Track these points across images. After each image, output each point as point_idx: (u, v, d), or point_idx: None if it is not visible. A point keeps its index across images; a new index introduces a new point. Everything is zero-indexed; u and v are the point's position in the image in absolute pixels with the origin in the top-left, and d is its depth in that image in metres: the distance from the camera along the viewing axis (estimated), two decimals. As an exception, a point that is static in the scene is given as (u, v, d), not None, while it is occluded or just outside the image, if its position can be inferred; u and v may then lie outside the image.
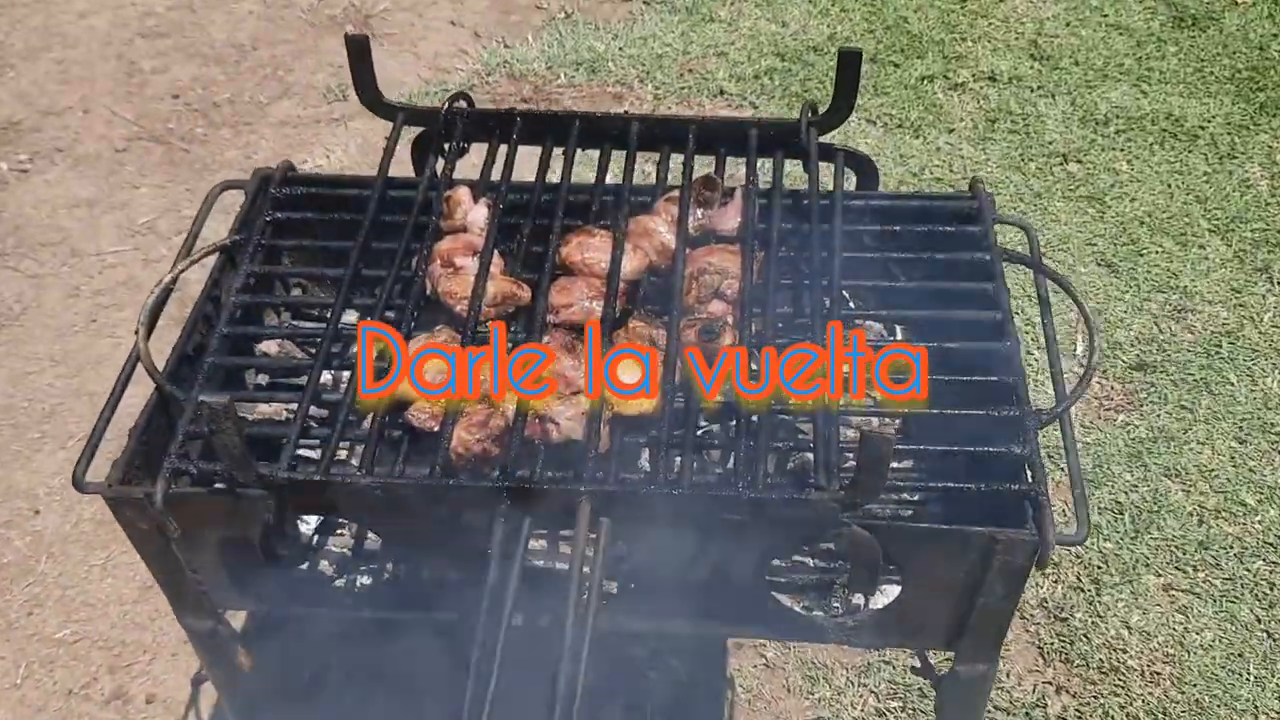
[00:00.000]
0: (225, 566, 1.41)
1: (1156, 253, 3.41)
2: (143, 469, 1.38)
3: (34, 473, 2.94)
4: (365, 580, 1.49)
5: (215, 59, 4.19)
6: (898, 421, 1.45)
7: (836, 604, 1.47)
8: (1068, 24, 4.24)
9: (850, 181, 1.64)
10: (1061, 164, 3.70)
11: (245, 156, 3.81)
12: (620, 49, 4.15)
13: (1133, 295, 3.29)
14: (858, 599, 1.45)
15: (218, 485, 1.34)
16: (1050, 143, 3.77)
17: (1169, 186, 3.61)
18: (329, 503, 1.29)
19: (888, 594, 1.42)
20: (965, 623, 1.37)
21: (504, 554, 1.20)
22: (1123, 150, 3.75)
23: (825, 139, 1.62)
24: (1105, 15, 4.27)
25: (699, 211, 1.54)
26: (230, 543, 1.38)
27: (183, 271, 1.54)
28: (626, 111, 1.86)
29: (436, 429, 1.29)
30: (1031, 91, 3.96)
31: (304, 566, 1.49)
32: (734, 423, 1.32)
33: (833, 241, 1.49)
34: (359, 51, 1.56)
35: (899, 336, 1.61)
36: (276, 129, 3.93)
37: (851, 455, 1.28)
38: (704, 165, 1.65)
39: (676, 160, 1.63)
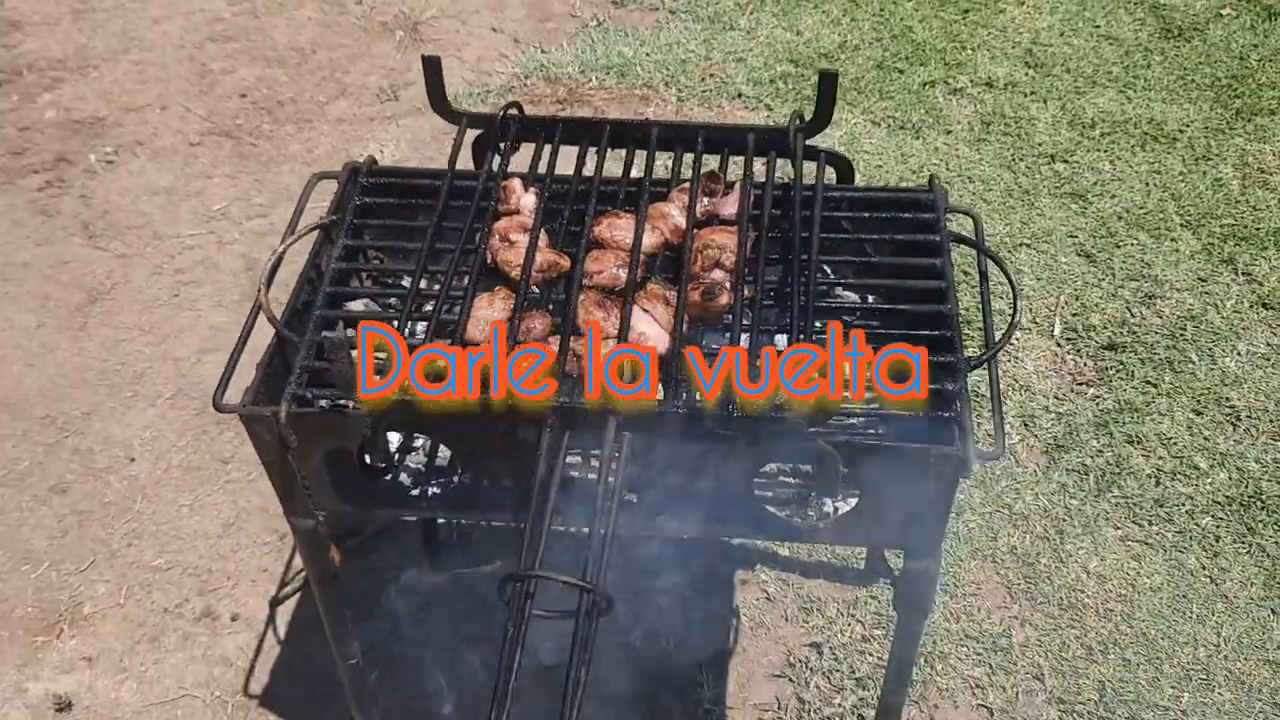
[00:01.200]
0: (328, 475, 1.80)
1: (1132, 245, 3.74)
2: (266, 395, 1.77)
3: (128, 426, 3.34)
4: (435, 490, 1.86)
5: (278, 61, 4.59)
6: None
7: (812, 513, 1.84)
8: (1061, 34, 4.58)
9: (830, 177, 2.01)
10: (1049, 164, 4.04)
11: (307, 150, 4.21)
12: (647, 54, 4.52)
13: (1108, 283, 3.63)
14: (828, 508, 1.82)
15: (326, 406, 1.73)
16: (1040, 144, 4.10)
17: (1147, 185, 3.94)
18: (416, 418, 1.68)
19: (850, 503, 1.79)
20: (909, 524, 1.74)
21: (549, 456, 1.58)
22: (1106, 152, 4.08)
23: (810, 142, 1.99)
24: (1097, 26, 4.60)
25: (705, 199, 1.91)
26: (334, 455, 1.77)
27: (293, 243, 1.92)
28: (648, 118, 2.23)
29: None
30: (1025, 97, 4.30)
31: (388, 478, 1.88)
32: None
33: (813, 225, 1.86)
34: (433, 69, 1.94)
35: (869, 301, 1.97)
36: (334, 126, 4.32)
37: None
38: (711, 163, 2.03)
39: (688, 158, 2.00)
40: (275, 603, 2.92)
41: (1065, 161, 4.04)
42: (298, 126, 4.30)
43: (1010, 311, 1.83)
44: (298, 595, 2.93)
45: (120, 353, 3.54)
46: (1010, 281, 1.83)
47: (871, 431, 1.74)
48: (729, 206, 1.89)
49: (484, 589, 2.89)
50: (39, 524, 3.09)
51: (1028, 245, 3.73)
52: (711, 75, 4.43)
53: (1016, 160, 4.05)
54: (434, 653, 2.79)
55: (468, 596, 2.88)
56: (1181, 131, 4.12)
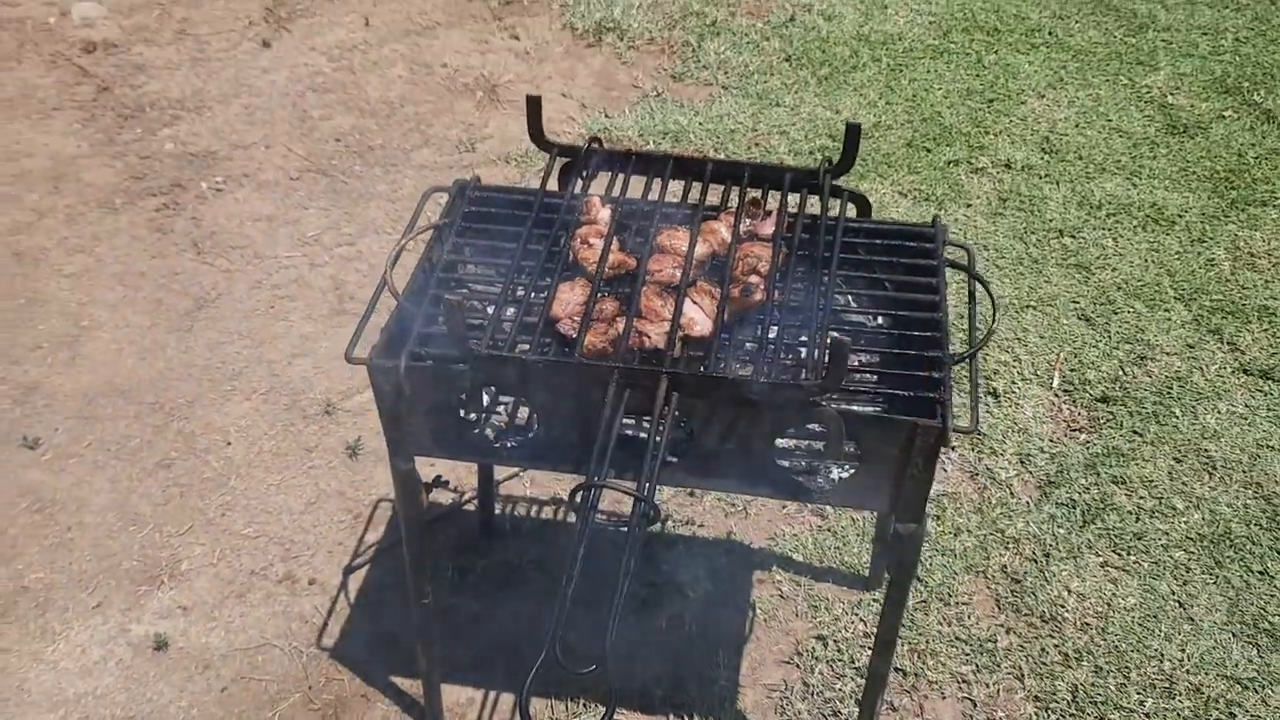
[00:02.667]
0: (430, 423, 2.23)
1: (1128, 312, 4.14)
2: (386, 352, 2.20)
3: (226, 415, 3.78)
4: (513, 444, 2.29)
5: (370, 112, 5.13)
6: (862, 340, 2.25)
7: (820, 479, 2.24)
8: (1076, 125, 5.03)
9: (851, 211, 2.45)
10: (1058, 237, 4.46)
11: (392, 190, 4.71)
12: (700, 123, 5.02)
13: (1104, 344, 4.02)
14: (835, 473, 2.23)
15: (437, 362, 2.16)
16: (1050, 220, 4.53)
17: (1146, 261, 4.35)
18: (510, 375, 2.11)
19: (850, 472, 2.19)
20: (899, 489, 2.13)
21: (614, 403, 2.00)
22: (1110, 230, 4.50)
23: (835, 183, 2.44)
24: (1109, 120, 5.05)
25: (747, 221, 2.36)
26: (438, 405, 2.20)
27: (411, 238, 2.38)
28: (705, 155, 2.69)
29: (574, 335, 2.11)
30: (1039, 178, 4.74)
31: (477, 432, 2.30)
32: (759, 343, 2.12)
33: (834, 247, 2.30)
34: (534, 108, 2.41)
35: (879, 322, 2.39)
36: (417, 170, 4.83)
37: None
38: (753, 194, 2.48)
39: (735, 190, 2.46)
40: (348, 571, 3.33)
41: (1073, 236, 4.46)
42: (385, 169, 4.81)
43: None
44: (368, 565, 3.34)
45: (221, 353, 3.99)
46: (991, 297, 2.25)
47: (874, 409, 2.15)
48: (766, 228, 2.34)
49: (529, 572, 3.29)
50: (146, 493, 3.52)
51: (1034, 307, 4.14)
52: (756, 144, 4.91)
53: (1028, 233, 4.47)
54: (488, 620, 3.18)
55: (515, 578, 3.28)
56: (1180, 216, 4.54)
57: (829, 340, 1.89)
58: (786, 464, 2.24)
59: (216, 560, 3.34)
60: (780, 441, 2.15)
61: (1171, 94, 5.16)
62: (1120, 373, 3.90)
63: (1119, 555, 3.37)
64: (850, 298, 2.35)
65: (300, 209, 4.60)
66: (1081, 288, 4.23)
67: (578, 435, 2.17)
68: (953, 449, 3.50)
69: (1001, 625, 3.20)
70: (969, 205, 4.60)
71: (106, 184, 4.64)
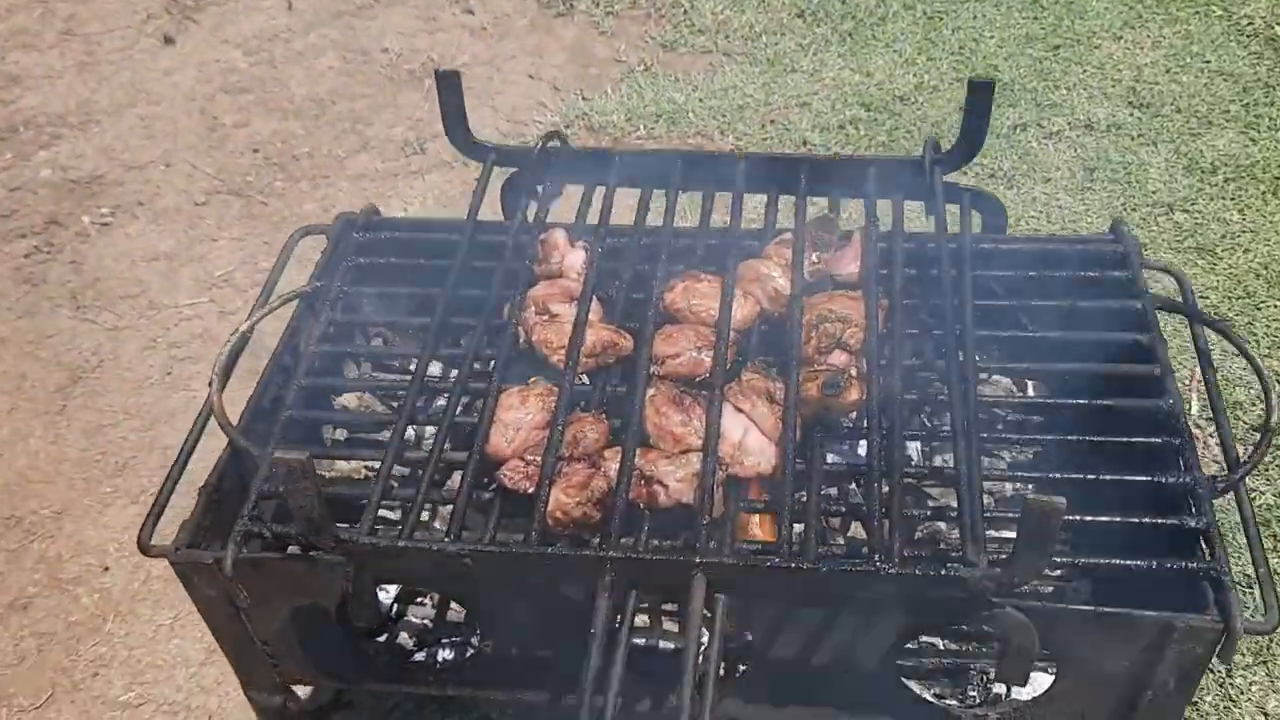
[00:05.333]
0: (298, 638, 1.30)
1: (1275, 306, 3.20)
2: (213, 530, 1.28)
3: (105, 528, 2.87)
4: (447, 654, 1.35)
5: (295, 113, 4.19)
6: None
7: (973, 692, 1.30)
8: (1167, 70, 4.08)
9: (976, 224, 1.50)
10: (1167, 214, 3.52)
11: (323, 209, 3.79)
12: (700, 100, 4.08)
13: (1252, 351, 3.08)
14: (998, 688, 1.29)
15: (292, 550, 1.23)
16: (1154, 192, 3.59)
17: (1285, 237, 3.41)
18: (413, 571, 1.17)
19: (1036, 684, 1.25)
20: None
21: (608, 633, 1.06)
22: (1233, 199, 3.56)
23: (948, 179, 1.49)
24: (1208, 61, 4.10)
25: (815, 255, 1.41)
26: (304, 612, 1.27)
27: (260, 320, 1.45)
28: (735, 148, 1.74)
29: (531, 490, 1.17)
30: (1132, 140, 3.80)
31: (382, 639, 1.37)
32: (859, 486, 1.18)
33: (963, 289, 1.35)
34: (450, 88, 1.47)
35: (1030, 393, 1.45)
36: (354, 182, 3.90)
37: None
38: (817, 209, 1.53)
39: (787, 202, 1.51)
40: (265, 750, 2.41)
41: (1185, 211, 3.52)
42: (313, 183, 3.89)
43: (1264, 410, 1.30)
44: (293, 739, 2.42)
45: (101, 440, 3.09)
46: (1257, 367, 1.31)
47: (1071, 586, 1.20)
48: (848, 264, 1.39)
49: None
50: (-8, 648, 2.61)
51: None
52: (772, 122, 3.97)
53: (1128, 210, 3.54)
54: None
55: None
56: (1320, 176, 3.59)
57: (1025, 498, 0.94)
58: (908, 663, 1.31)
59: (84, 745, 2.43)
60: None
61: (1278, 23, 4.19)
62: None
63: (1325, 655, 2.43)
64: (1001, 375, 1.40)
65: (207, 242, 3.67)
66: (1208, 277, 3.30)
67: (552, 646, 1.23)
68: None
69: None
70: (1047, 180, 3.66)
71: (-39, 227, 3.70)
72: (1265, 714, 2.38)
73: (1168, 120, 3.88)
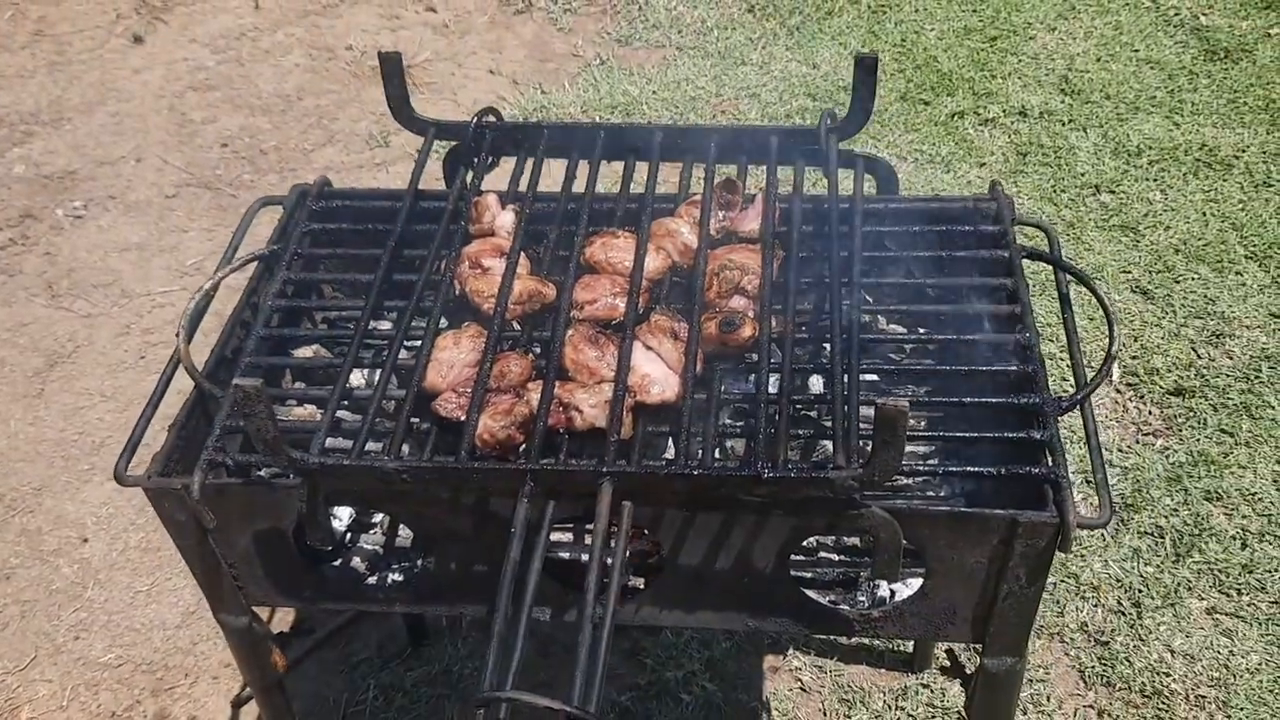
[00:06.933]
0: (260, 561, 1.45)
1: (1193, 279, 3.39)
2: (182, 462, 1.42)
3: (83, 503, 3.00)
4: (396, 576, 1.51)
5: (262, 109, 4.33)
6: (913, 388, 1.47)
7: (862, 598, 1.47)
8: (1098, 59, 4.28)
9: (870, 187, 1.67)
10: (1094, 194, 3.71)
11: (290, 200, 3.92)
12: (654, 92, 4.24)
13: (1169, 321, 3.27)
14: (883, 591, 1.46)
15: (253, 476, 1.38)
16: (1082, 174, 3.78)
17: (1204, 215, 3.60)
18: (358, 489, 1.33)
19: (911, 585, 1.42)
20: (991, 612, 1.37)
21: (526, 536, 1.22)
22: (1156, 180, 3.75)
23: (843, 145, 1.66)
24: (1136, 50, 4.30)
25: (721, 213, 1.58)
26: (265, 536, 1.42)
27: (223, 278, 1.60)
28: (650, 122, 1.91)
29: (463, 417, 1.33)
30: (1063, 125, 3.98)
31: (337, 564, 1.52)
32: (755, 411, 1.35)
33: (853, 241, 1.52)
34: (393, 68, 1.63)
35: (920, 333, 1.62)
36: (320, 174, 4.03)
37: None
38: (725, 173, 1.70)
39: (698, 173, 1.68)
40: (238, 703, 2.56)
41: (1112, 192, 3.71)
42: (281, 176, 4.02)
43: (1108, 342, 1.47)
44: (264, 694, 2.56)
45: (79, 421, 3.21)
46: (1103, 304, 1.49)
47: (935, 494, 1.37)
48: (750, 221, 1.56)
49: (476, 682, 2.52)
50: (-24, 616, 2.75)
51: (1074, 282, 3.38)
52: (723, 112, 4.14)
53: (1058, 192, 3.72)
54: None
55: (460, 692, 2.50)
56: (1237, 157, 3.79)
57: (874, 404, 1.11)
58: (807, 574, 1.48)
59: (67, 703, 2.59)
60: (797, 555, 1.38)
61: (1203, 13, 4.42)
62: (1194, 356, 3.15)
63: (1227, 596, 2.63)
64: (883, 317, 1.57)
65: (178, 233, 3.80)
66: (1131, 253, 3.48)
67: (487, 561, 1.39)
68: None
69: (1092, 707, 2.46)
70: (982, 164, 3.84)
71: (-62, 222, 3.83)
72: (1172, 651, 2.56)
73: (1097, 106, 4.07)
